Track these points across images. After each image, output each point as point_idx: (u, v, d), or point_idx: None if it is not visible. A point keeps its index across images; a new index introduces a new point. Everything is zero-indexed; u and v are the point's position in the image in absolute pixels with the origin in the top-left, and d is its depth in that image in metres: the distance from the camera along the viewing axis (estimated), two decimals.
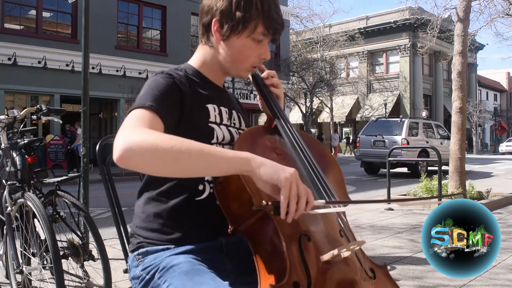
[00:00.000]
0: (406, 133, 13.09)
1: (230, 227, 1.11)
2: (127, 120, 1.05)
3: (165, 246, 1.18)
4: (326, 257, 1.05)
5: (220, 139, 1.24)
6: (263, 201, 0.99)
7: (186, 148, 0.96)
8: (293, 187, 0.99)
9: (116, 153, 0.95)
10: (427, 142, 13.12)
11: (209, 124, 1.23)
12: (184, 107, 1.18)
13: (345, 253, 1.07)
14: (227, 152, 1.01)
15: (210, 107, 1.25)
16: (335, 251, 1.04)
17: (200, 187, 1.20)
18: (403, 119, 13.87)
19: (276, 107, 1.31)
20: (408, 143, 12.57)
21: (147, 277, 1.15)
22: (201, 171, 1.01)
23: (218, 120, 1.26)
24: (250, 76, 1.36)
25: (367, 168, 13.95)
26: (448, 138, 14.33)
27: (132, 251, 1.24)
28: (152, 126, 1.04)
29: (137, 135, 0.97)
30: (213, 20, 1.23)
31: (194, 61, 1.33)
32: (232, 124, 1.31)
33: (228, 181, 1.11)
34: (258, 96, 1.37)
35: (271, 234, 1.06)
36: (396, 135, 13.18)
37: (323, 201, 1.05)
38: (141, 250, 1.21)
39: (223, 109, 1.29)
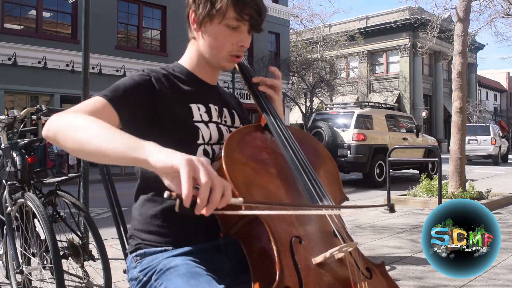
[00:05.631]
0: (494, 134, 19.29)
1: (222, 230, 1.11)
2: (79, 104, 1.10)
3: (163, 248, 1.17)
4: (318, 259, 1.03)
5: (207, 139, 1.22)
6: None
7: (89, 135, 0.94)
8: (198, 169, 0.82)
9: (44, 128, 1.02)
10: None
11: (195, 124, 1.21)
12: (158, 104, 1.17)
13: (338, 255, 1.05)
14: (125, 141, 0.91)
15: (194, 106, 1.23)
16: (327, 254, 1.03)
17: None
18: (488, 124, 20.84)
19: (264, 102, 1.28)
20: (496, 142, 19.09)
21: (145, 279, 1.15)
22: (103, 159, 0.95)
23: (205, 118, 1.24)
24: (236, 66, 1.33)
25: None
26: None
27: (131, 252, 1.23)
28: (97, 112, 1.05)
29: (65, 116, 1.02)
30: (190, 10, 1.23)
31: (184, 60, 1.32)
32: (223, 122, 1.29)
33: None
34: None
35: (262, 236, 1.04)
36: (486, 135, 19.22)
37: (241, 199, 0.89)
38: (139, 252, 1.20)
39: (212, 107, 1.28)
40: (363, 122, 10.89)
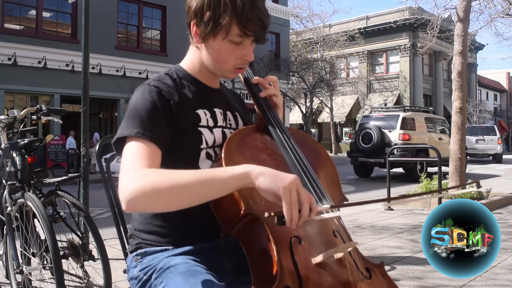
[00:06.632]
0: (499, 134, 21.42)
1: (222, 230, 1.11)
2: (125, 159, 1.07)
3: (164, 247, 1.18)
4: (317, 259, 1.04)
5: (211, 143, 1.22)
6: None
7: (185, 184, 0.99)
8: (293, 195, 0.98)
9: (123, 204, 1.00)
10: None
11: (198, 128, 1.21)
12: (173, 116, 1.17)
13: (338, 255, 1.06)
14: (223, 173, 1.01)
15: (201, 112, 1.23)
16: (327, 254, 1.04)
17: None
18: (493, 125, 22.52)
19: (264, 104, 1.29)
20: (501, 142, 21.04)
21: (145, 277, 1.15)
22: (205, 199, 1.03)
23: (211, 123, 1.24)
24: (241, 77, 1.33)
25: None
26: None
27: (131, 252, 1.24)
28: (151, 159, 1.06)
29: (137, 181, 0.99)
30: (192, 22, 1.21)
31: (185, 63, 1.31)
32: (228, 125, 1.30)
33: None
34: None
35: (262, 237, 1.05)
36: (493, 135, 21.13)
37: (328, 205, 1.02)
38: (139, 251, 1.21)
39: (217, 111, 1.28)
40: (407, 124, 12.43)
